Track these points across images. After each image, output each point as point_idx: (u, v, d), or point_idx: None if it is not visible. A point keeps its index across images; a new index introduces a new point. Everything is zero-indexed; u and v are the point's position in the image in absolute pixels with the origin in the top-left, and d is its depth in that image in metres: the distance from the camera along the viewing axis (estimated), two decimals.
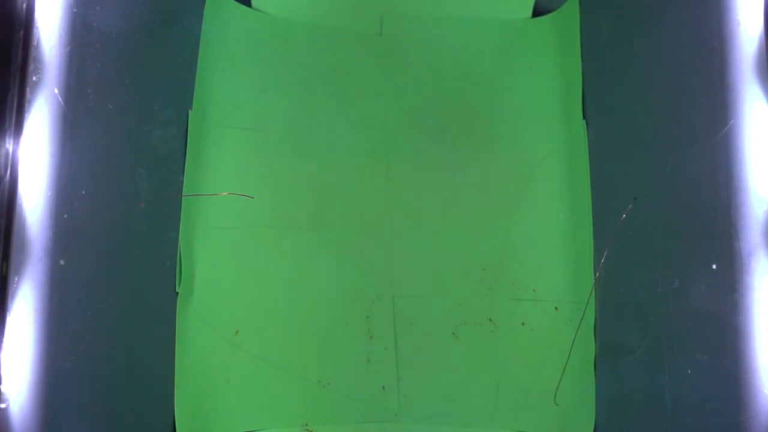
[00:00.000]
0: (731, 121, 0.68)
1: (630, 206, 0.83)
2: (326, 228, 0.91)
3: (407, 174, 0.93)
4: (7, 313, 0.62)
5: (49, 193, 0.67)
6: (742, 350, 0.66)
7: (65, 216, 0.68)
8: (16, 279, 0.63)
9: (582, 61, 0.94)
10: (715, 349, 0.69)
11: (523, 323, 0.89)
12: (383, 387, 0.88)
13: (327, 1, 0.98)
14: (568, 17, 0.96)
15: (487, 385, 0.88)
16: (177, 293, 0.84)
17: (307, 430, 0.86)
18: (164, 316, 0.83)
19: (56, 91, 0.67)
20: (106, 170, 0.74)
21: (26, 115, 0.64)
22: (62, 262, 0.67)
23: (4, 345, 0.62)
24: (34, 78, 0.65)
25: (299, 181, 0.91)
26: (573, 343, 0.87)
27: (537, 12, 0.99)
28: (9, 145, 0.63)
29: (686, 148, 0.75)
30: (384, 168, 0.93)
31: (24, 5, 0.64)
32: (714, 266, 0.70)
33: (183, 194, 0.85)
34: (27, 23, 0.65)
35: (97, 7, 0.73)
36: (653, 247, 0.80)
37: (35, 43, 0.65)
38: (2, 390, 0.62)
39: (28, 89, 0.64)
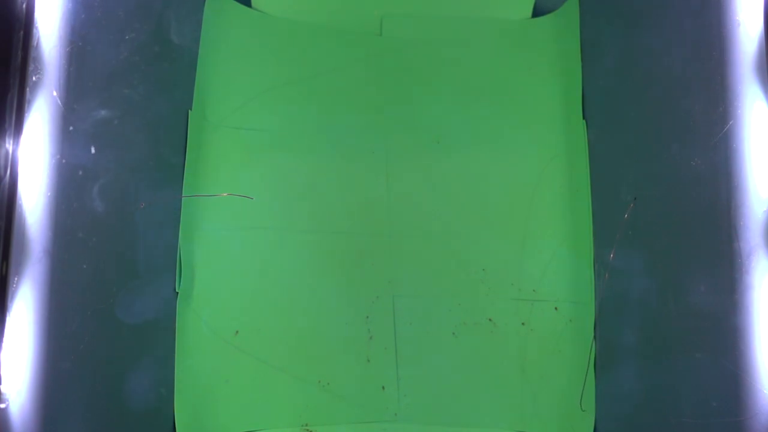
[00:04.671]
0: (731, 121, 0.68)
1: (630, 206, 0.83)
2: (326, 228, 0.91)
3: (407, 174, 0.93)
4: (7, 313, 0.62)
5: (49, 193, 0.67)
6: (742, 350, 0.66)
7: (65, 216, 0.68)
8: (16, 279, 0.63)
9: (582, 61, 0.94)
10: (715, 349, 0.69)
11: (523, 323, 0.89)
12: (383, 387, 0.88)
13: (327, 1, 0.98)
14: (568, 17, 0.96)
15: (487, 385, 0.88)
16: (177, 293, 0.84)
17: (307, 430, 0.86)
18: (164, 316, 0.83)
19: (55, 93, 0.67)
20: (106, 170, 0.74)
21: (26, 115, 0.64)
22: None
23: (4, 345, 0.62)
24: (33, 78, 0.65)
25: (299, 181, 0.91)
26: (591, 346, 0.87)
27: (537, 12, 0.99)
28: (9, 145, 0.63)
29: (686, 148, 0.75)
30: (384, 168, 0.93)
31: (24, 5, 0.64)
32: (714, 266, 0.70)
33: (183, 194, 0.85)
34: (27, 23, 0.65)
35: (97, 8, 0.73)
36: (653, 247, 0.80)
37: (35, 43, 0.65)
38: (2, 390, 0.62)
39: (27, 89, 0.64)
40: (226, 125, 0.91)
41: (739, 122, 0.68)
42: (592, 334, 0.88)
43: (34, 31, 0.65)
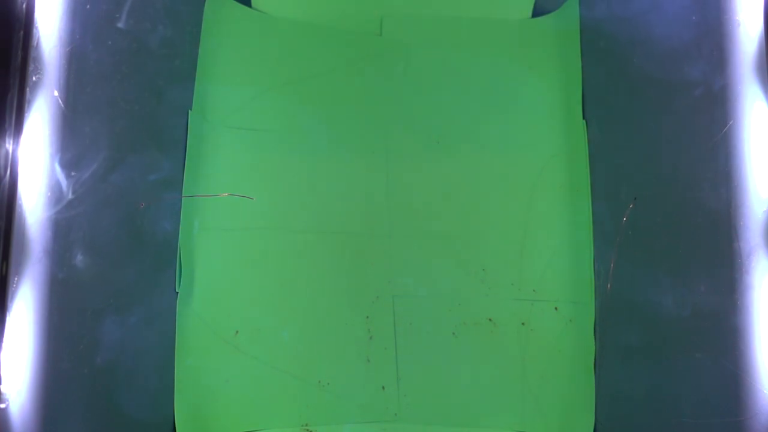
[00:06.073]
0: (731, 121, 0.68)
1: (630, 206, 0.83)
2: (326, 228, 0.91)
3: (407, 174, 0.93)
4: (7, 313, 0.62)
5: (49, 194, 0.67)
6: (742, 350, 0.66)
7: (65, 216, 0.68)
8: (16, 279, 0.63)
9: (582, 61, 0.94)
10: (715, 349, 0.69)
11: (523, 323, 0.89)
12: (383, 387, 0.88)
13: (327, 1, 0.98)
14: (568, 17, 0.96)
15: (487, 385, 0.88)
16: (177, 293, 0.84)
17: (307, 430, 0.86)
18: (164, 316, 0.83)
19: (56, 93, 0.67)
20: (106, 170, 0.74)
21: (26, 115, 0.64)
22: None
23: (4, 345, 0.62)
24: (33, 78, 0.65)
25: (299, 181, 0.91)
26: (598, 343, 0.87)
27: (537, 12, 0.99)
28: (9, 145, 0.63)
29: (686, 148, 0.75)
30: (384, 168, 0.93)
31: (24, 5, 0.64)
32: (714, 266, 0.70)
33: (183, 195, 0.85)
34: (27, 23, 0.65)
35: (97, 8, 0.73)
36: (653, 247, 0.80)
37: (35, 43, 0.65)
38: (2, 390, 0.62)
39: (27, 89, 0.64)
40: (226, 125, 0.91)
41: (739, 122, 0.68)
42: (592, 334, 0.88)
43: (34, 31, 0.65)
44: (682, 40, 0.76)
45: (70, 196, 0.69)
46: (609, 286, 0.85)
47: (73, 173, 0.70)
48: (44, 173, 0.66)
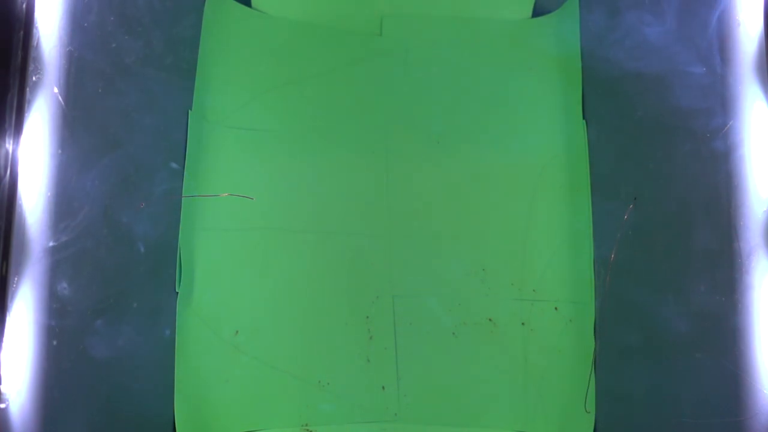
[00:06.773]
0: (731, 121, 0.68)
1: (630, 206, 0.83)
2: (326, 228, 0.91)
3: (407, 174, 0.93)
4: (7, 313, 0.62)
5: (49, 193, 0.67)
6: (742, 350, 0.66)
7: (65, 216, 0.68)
8: (16, 279, 0.63)
9: (582, 61, 0.94)
10: (715, 349, 0.69)
11: (523, 323, 0.89)
12: (383, 387, 0.88)
13: (327, 1, 0.98)
14: (568, 17, 0.96)
15: (487, 385, 0.88)
16: (177, 293, 0.84)
17: (307, 430, 0.86)
18: (164, 316, 0.83)
19: (56, 90, 0.67)
20: (106, 170, 0.74)
21: (26, 115, 0.64)
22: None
23: (4, 345, 0.62)
24: (34, 78, 0.65)
25: (299, 181, 0.91)
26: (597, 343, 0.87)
27: (537, 12, 0.99)
28: (9, 145, 0.63)
29: (686, 148, 0.75)
30: (384, 168, 0.93)
31: (24, 5, 0.64)
32: (714, 266, 0.70)
33: (183, 195, 0.85)
34: (27, 23, 0.65)
35: (97, 8, 0.73)
36: (653, 247, 0.80)
37: (35, 44, 0.65)
38: (2, 390, 0.62)
39: (28, 89, 0.64)
40: (226, 125, 0.91)
41: (739, 122, 0.68)
42: (593, 334, 0.88)
43: (34, 31, 0.65)
44: (682, 40, 0.76)
45: (69, 195, 0.69)
46: (608, 285, 0.85)
47: (72, 173, 0.70)
48: (44, 173, 0.66)
